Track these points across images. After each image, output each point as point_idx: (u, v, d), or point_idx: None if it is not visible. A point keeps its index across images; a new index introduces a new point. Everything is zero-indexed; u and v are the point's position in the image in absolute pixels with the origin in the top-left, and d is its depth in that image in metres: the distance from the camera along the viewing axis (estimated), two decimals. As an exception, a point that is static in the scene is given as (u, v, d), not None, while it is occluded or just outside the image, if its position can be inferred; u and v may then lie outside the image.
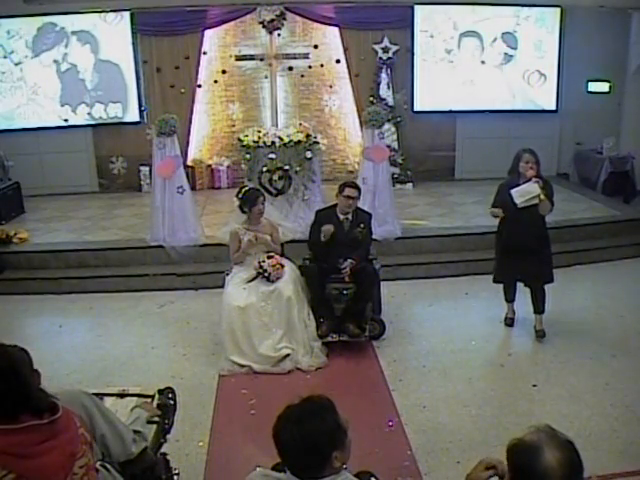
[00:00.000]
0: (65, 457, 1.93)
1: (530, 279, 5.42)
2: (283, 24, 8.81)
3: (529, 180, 5.04)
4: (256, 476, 2.09)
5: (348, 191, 5.33)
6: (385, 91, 9.53)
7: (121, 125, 9.51)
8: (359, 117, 8.88)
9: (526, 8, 9.49)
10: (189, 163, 9.39)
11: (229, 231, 5.47)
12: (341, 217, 5.38)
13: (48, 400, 1.98)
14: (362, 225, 5.37)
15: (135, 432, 2.44)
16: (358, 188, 5.46)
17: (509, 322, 5.71)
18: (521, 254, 5.24)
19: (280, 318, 5.07)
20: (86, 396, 2.26)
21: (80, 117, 9.38)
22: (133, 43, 9.25)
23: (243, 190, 5.44)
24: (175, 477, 3.03)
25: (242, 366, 4.97)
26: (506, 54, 9.69)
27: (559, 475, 1.69)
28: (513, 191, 5.09)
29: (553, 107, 9.90)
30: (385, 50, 9.50)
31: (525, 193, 5.03)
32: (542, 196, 5.01)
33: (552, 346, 5.33)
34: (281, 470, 2.04)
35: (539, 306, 5.49)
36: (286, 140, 7.06)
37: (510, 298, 5.67)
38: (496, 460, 1.88)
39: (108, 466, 2.19)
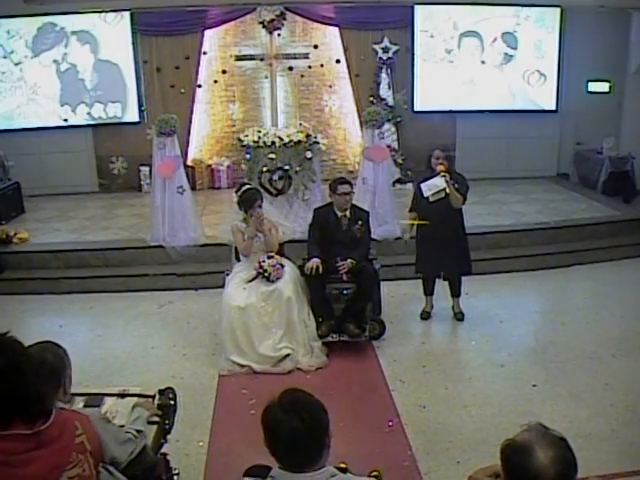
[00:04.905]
0: (48, 469, 1.89)
1: (449, 270, 5.69)
2: (283, 24, 8.81)
3: (438, 174, 5.36)
4: None
5: (342, 188, 5.35)
6: (385, 91, 9.52)
7: (121, 125, 9.50)
8: (359, 117, 8.88)
9: (526, 8, 9.48)
10: (189, 163, 9.38)
11: (230, 226, 5.47)
12: (339, 214, 5.39)
13: (45, 407, 1.94)
14: (360, 222, 5.39)
15: (137, 431, 2.44)
16: (350, 183, 5.50)
17: (425, 316, 5.87)
18: (438, 245, 5.50)
19: (280, 318, 5.07)
20: (99, 420, 2.17)
21: (80, 117, 9.37)
22: (133, 43, 9.24)
23: (242, 189, 5.45)
24: (175, 477, 3.03)
25: (242, 366, 4.97)
26: (506, 54, 9.69)
27: (552, 473, 1.68)
28: (422, 185, 5.46)
29: (553, 107, 9.89)
30: (385, 50, 9.50)
31: (432, 187, 5.38)
32: (448, 189, 5.33)
33: (552, 346, 5.33)
34: (262, 475, 1.99)
35: (456, 290, 5.81)
36: (286, 140, 7.06)
37: (429, 292, 5.87)
38: None
39: (110, 468, 2.18)
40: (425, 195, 5.42)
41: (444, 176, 5.32)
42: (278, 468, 1.95)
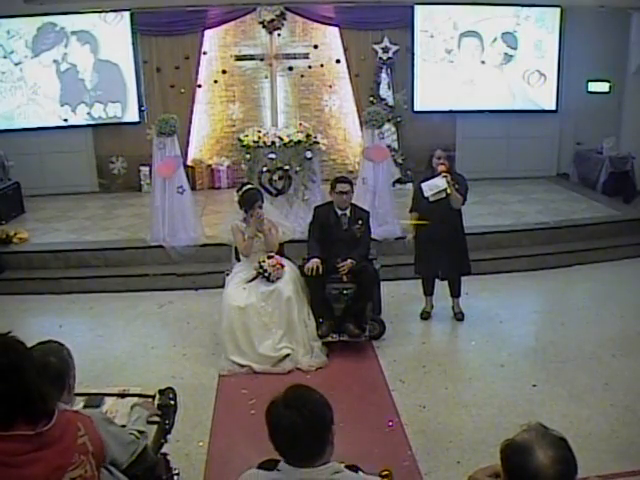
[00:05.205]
0: (51, 470, 1.88)
1: (448, 271, 5.69)
2: (283, 24, 8.80)
3: (439, 174, 5.33)
4: (247, 477, 2.08)
5: (340, 187, 5.36)
6: (385, 91, 9.53)
7: (121, 125, 9.50)
8: (359, 117, 8.88)
9: (526, 8, 9.48)
10: (189, 163, 9.38)
11: (230, 226, 5.47)
12: (339, 213, 5.40)
13: (48, 408, 1.93)
14: (360, 222, 5.39)
15: (139, 432, 2.44)
16: (350, 182, 5.50)
17: (425, 316, 5.88)
18: (438, 245, 5.49)
19: (280, 318, 5.07)
20: (102, 421, 2.17)
21: (80, 117, 9.37)
22: (133, 43, 9.25)
23: (244, 188, 5.46)
24: (175, 477, 3.03)
25: (242, 366, 4.97)
26: (506, 54, 9.69)
27: (552, 473, 1.68)
28: (423, 185, 5.43)
29: (553, 107, 9.90)
30: (385, 50, 9.50)
31: (433, 187, 5.35)
32: (449, 190, 5.30)
33: (552, 346, 5.33)
34: (270, 468, 2.02)
35: (456, 290, 5.82)
36: (286, 140, 7.06)
37: (429, 292, 5.88)
38: None
39: (111, 468, 2.18)
40: (426, 195, 5.39)
41: (445, 176, 5.30)
42: (284, 462, 1.98)
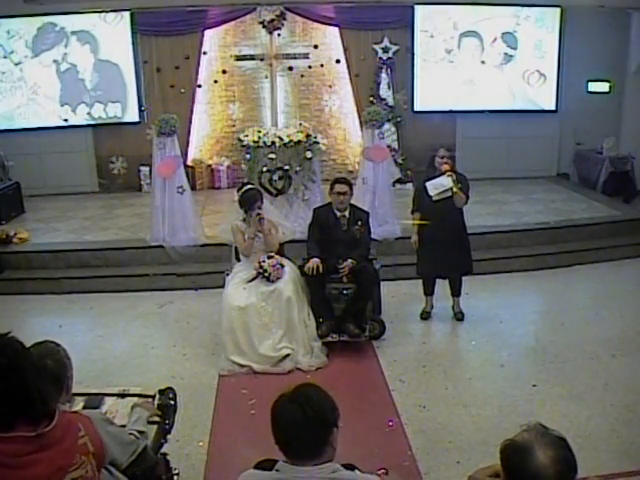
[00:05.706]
0: (52, 471, 1.88)
1: (450, 270, 5.66)
2: (283, 24, 8.81)
3: (443, 174, 5.30)
4: (246, 478, 2.09)
5: (338, 187, 5.36)
6: (385, 91, 9.53)
7: (121, 125, 9.51)
8: (359, 117, 8.88)
9: (526, 8, 9.49)
10: (189, 163, 9.38)
11: (230, 226, 5.47)
12: (338, 214, 5.39)
13: (48, 409, 1.92)
14: (360, 222, 5.39)
15: (139, 432, 2.44)
16: (348, 183, 5.48)
17: (425, 316, 5.86)
18: (440, 245, 5.46)
19: (280, 318, 5.07)
20: (101, 422, 2.16)
21: (80, 117, 9.38)
22: (133, 43, 9.25)
23: (244, 188, 5.46)
24: (175, 477, 3.03)
25: (242, 366, 4.97)
26: (506, 54, 9.69)
27: (552, 473, 1.69)
28: (428, 184, 5.37)
29: (553, 107, 9.90)
30: (385, 50, 9.51)
31: (439, 186, 5.31)
32: (455, 189, 5.27)
33: (552, 346, 5.33)
34: (268, 468, 2.03)
35: (457, 290, 5.79)
36: (286, 140, 7.06)
37: (429, 292, 5.86)
38: None
39: (111, 468, 2.18)
40: (430, 194, 5.36)
41: (450, 175, 5.29)
42: (283, 461, 1.99)
